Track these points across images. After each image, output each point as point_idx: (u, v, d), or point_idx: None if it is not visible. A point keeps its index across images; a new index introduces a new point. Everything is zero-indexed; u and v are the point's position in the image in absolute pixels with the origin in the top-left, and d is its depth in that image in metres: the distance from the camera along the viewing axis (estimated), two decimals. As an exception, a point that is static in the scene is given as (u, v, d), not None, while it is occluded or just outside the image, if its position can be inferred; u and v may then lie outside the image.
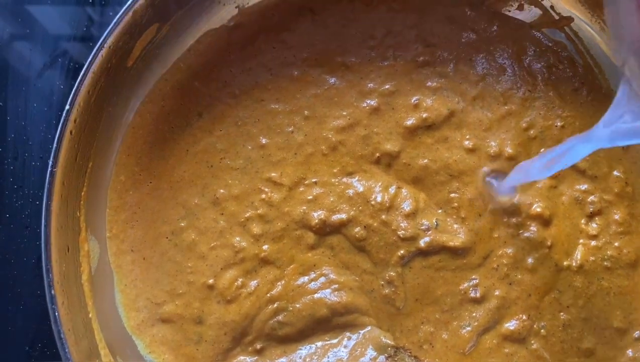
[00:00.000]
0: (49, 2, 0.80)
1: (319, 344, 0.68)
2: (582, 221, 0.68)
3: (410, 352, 0.67)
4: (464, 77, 0.70)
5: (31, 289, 0.75)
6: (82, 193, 0.63)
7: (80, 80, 0.58)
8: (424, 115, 0.69)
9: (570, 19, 0.72)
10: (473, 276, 0.67)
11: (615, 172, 0.69)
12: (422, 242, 0.67)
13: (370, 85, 0.70)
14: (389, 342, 0.67)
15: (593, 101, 0.70)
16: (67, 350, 0.56)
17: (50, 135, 0.76)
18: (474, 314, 0.67)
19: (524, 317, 0.67)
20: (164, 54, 0.68)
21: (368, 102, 0.70)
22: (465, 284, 0.67)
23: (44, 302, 0.73)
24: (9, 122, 0.77)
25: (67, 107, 0.58)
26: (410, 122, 0.69)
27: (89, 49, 0.71)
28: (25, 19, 0.79)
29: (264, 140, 0.69)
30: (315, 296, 0.68)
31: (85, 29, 0.79)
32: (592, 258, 0.67)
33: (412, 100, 0.70)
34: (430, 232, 0.67)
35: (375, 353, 0.67)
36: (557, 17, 0.72)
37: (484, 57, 0.70)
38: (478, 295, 0.67)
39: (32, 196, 0.76)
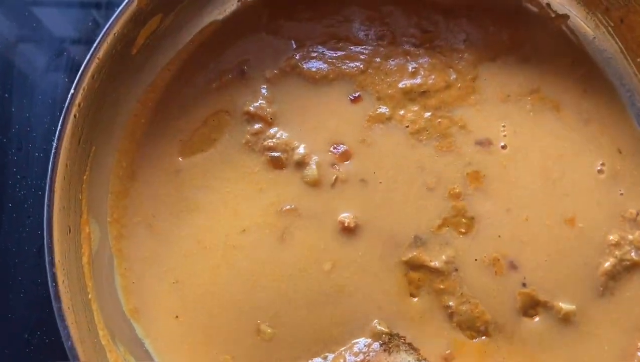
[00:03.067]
0: (54, 5, 0.81)
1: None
2: None
3: (404, 340, 0.68)
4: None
5: (32, 278, 0.75)
6: (85, 176, 0.64)
7: (86, 65, 0.59)
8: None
9: (566, 17, 0.74)
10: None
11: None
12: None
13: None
14: (384, 329, 0.68)
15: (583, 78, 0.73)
16: (66, 327, 0.56)
17: (54, 128, 0.75)
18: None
19: None
20: (166, 44, 0.69)
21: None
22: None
23: (44, 291, 0.74)
24: (13, 114, 0.77)
25: (72, 91, 0.59)
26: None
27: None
28: (31, 21, 0.80)
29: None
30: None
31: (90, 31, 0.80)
32: None
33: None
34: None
35: (370, 340, 0.68)
36: (553, 15, 0.74)
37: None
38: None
39: (34, 186, 0.76)
